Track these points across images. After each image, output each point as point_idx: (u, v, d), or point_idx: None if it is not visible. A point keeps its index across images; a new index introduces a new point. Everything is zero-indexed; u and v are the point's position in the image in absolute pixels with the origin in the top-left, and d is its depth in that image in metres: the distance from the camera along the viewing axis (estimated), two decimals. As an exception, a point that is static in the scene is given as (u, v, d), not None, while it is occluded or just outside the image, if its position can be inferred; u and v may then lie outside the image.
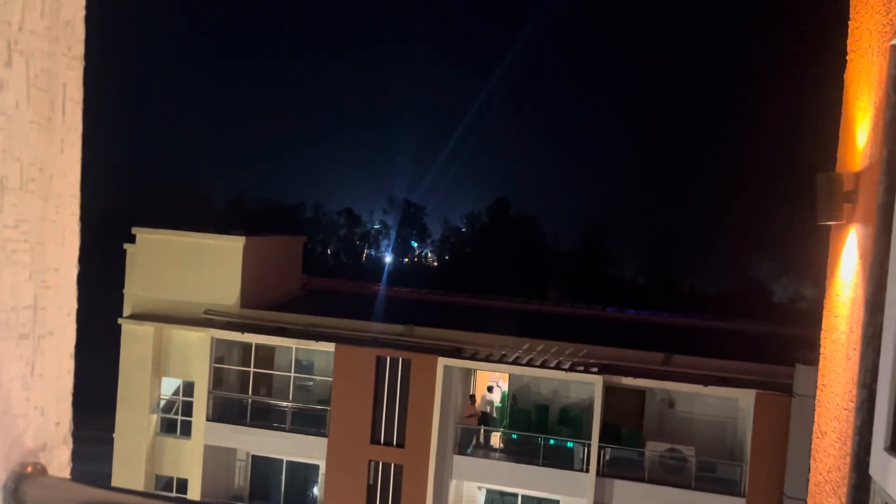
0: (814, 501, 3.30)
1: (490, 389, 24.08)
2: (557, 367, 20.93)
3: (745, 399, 20.60)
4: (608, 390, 21.03)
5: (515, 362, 21.24)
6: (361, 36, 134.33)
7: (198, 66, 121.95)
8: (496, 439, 23.08)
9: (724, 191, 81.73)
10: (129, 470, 23.49)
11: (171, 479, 24.03)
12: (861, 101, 3.21)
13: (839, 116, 3.55)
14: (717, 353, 21.13)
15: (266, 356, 24.60)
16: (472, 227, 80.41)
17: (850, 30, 3.36)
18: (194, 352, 23.60)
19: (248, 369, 23.98)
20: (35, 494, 1.50)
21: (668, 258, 70.72)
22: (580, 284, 64.76)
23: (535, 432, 22.26)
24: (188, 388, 23.94)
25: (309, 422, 23.08)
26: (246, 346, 24.05)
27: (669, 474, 20.80)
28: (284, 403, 23.56)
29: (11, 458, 1.50)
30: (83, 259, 1.76)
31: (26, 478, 1.50)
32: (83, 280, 1.75)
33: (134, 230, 24.69)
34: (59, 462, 1.69)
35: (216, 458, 23.42)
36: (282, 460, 24.08)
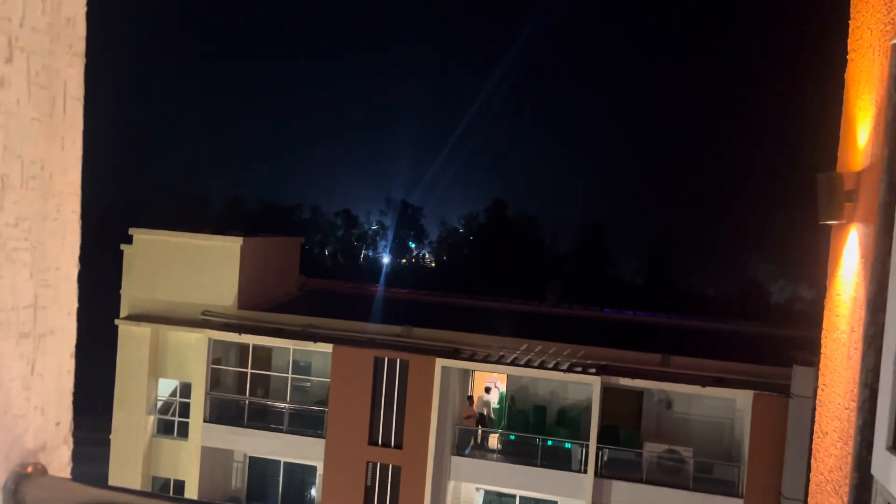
0: (815, 501, 3.29)
1: (488, 390, 24.07)
2: (555, 368, 20.93)
3: (742, 400, 20.62)
4: (606, 391, 21.04)
5: (513, 363, 21.23)
6: (360, 37, 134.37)
7: (195, 66, 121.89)
8: (494, 440, 23.07)
9: (723, 192, 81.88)
10: (125, 471, 23.42)
11: (168, 480, 23.98)
12: (862, 101, 3.21)
13: (839, 116, 3.55)
14: (714, 354, 21.15)
15: (263, 357, 24.56)
16: (469, 228, 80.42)
17: (850, 29, 3.36)
18: (191, 353, 23.55)
19: (245, 370, 23.94)
20: (35, 495, 1.48)
21: (666, 259, 70.79)
22: (578, 285, 64.79)
23: (533, 433, 22.26)
24: (185, 390, 23.89)
25: (306, 423, 23.05)
26: (243, 347, 24.02)
27: (667, 475, 20.81)
28: (282, 404, 23.53)
29: (11, 459, 1.49)
30: (80, 260, 1.74)
31: (26, 478, 1.49)
32: (80, 281, 1.74)
33: (131, 231, 24.64)
34: (60, 462, 1.67)
35: (213, 460, 23.38)
36: (279, 462, 24.04)
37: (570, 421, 22.52)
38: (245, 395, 23.84)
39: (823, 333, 3.41)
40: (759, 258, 68.09)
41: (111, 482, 22.41)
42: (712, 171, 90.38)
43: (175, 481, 23.76)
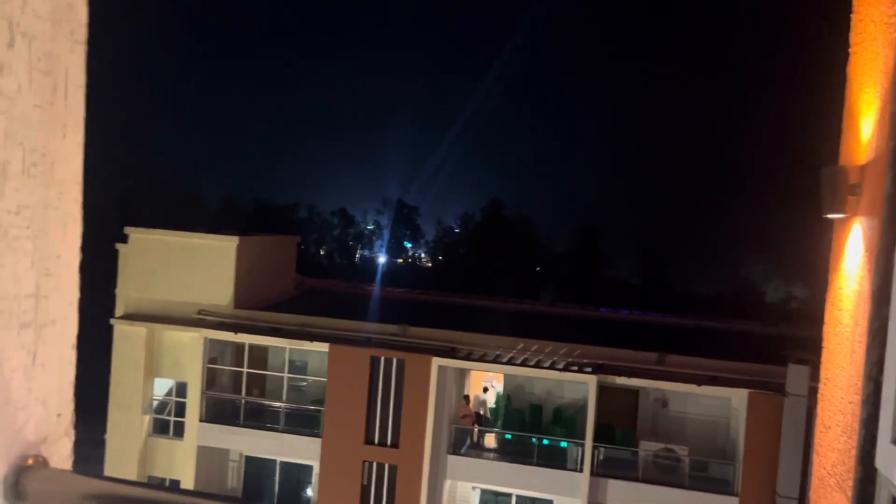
0: (817, 496, 3.29)
1: (485, 390, 24.08)
2: (551, 367, 20.94)
3: (737, 399, 20.68)
4: (602, 390, 21.06)
5: (510, 362, 21.23)
6: (356, 36, 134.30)
7: (191, 66, 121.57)
8: (490, 439, 23.08)
9: (719, 191, 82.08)
10: (121, 471, 23.34)
11: (163, 480, 23.90)
12: (866, 94, 3.21)
13: (839, 112, 3.55)
14: (710, 353, 21.21)
15: (259, 356, 24.51)
16: (465, 227, 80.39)
17: (852, 23, 3.36)
18: (187, 352, 23.48)
19: (241, 370, 23.88)
20: (36, 488, 1.46)
21: (661, 259, 70.91)
22: (574, 285, 64.86)
23: (530, 432, 22.27)
24: (181, 389, 23.82)
25: (302, 422, 23.01)
26: (239, 347, 23.96)
27: (663, 474, 20.85)
28: (278, 404, 23.48)
29: (13, 451, 1.47)
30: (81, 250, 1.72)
31: (28, 471, 1.46)
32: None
33: (126, 230, 24.57)
34: (61, 455, 1.65)
35: (209, 459, 23.31)
36: (275, 461, 24.00)
37: (567, 420, 22.55)
38: (241, 394, 23.79)
39: (825, 328, 3.41)
40: (754, 257, 68.32)
41: (106, 482, 22.32)
42: (709, 170, 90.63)
43: (171, 481, 23.69)
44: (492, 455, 22.17)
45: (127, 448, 23.49)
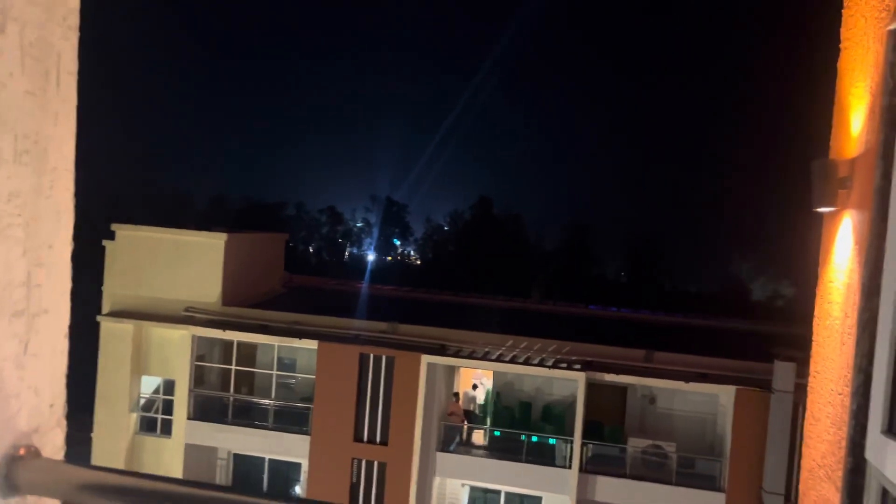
0: (807, 487, 3.32)
1: (474, 387, 24.11)
2: (541, 364, 21.00)
3: (725, 395, 20.82)
4: (590, 387, 21.15)
5: (499, 359, 21.27)
6: (346, 35, 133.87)
7: (180, 65, 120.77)
8: (479, 436, 23.12)
9: (708, 189, 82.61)
10: (107, 469, 23.18)
11: (150, 478, 23.75)
12: (856, 89, 3.23)
13: (829, 109, 3.57)
14: (697, 350, 21.34)
15: (248, 354, 24.42)
16: (455, 225, 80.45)
17: (843, 18, 3.39)
18: (175, 350, 23.35)
19: (229, 367, 23.78)
20: (29, 478, 1.45)
21: (649, 257, 71.29)
22: (563, 283, 65.07)
23: (519, 429, 22.33)
24: (168, 387, 23.68)
25: (291, 420, 22.95)
26: (227, 344, 23.85)
27: (651, 470, 20.98)
28: (266, 401, 23.40)
29: (4, 441, 1.45)
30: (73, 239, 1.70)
31: (20, 461, 1.45)
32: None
33: (113, 226, 24.37)
34: (54, 445, 1.63)
35: (197, 457, 23.20)
36: (264, 459, 23.93)
37: (556, 417, 22.62)
38: (229, 391, 23.69)
39: (815, 321, 3.44)
40: (743, 255, 68.84)
41: (93, 480, 22.16)
42: (698, 168, 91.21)
43: (158, 479, 23.54)
44: (481, 452, 22.21)
45: (114, 446, 23.33)
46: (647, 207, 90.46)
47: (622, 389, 22.82)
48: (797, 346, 17.22)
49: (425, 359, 21.31)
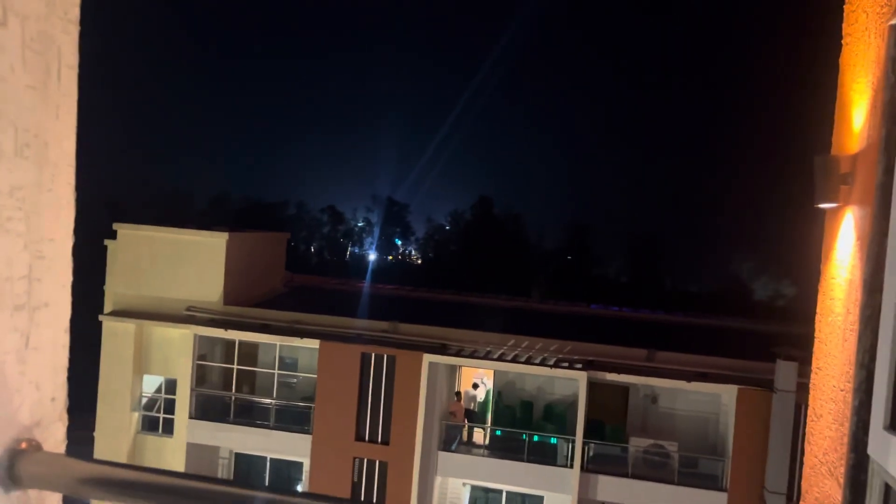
0: (809, 485, 3.32)
1: (475, 386, 24.11)
2: (542, 364, 20.99)
3: (727, 395, 20.80)
4: (592, 386, 21.14)
5: (500, 359, 21.27)
6: (347, 34, 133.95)
7: (182, 64, 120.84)
8: (481, 436, 23.12)
9: (709, 188, 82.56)
10: (109, 468, 23.21)
11: (152, 477, 23.78)
12: (858, 84, 3.24)
13: (829, 107, 3.58)
14: (699, 350, 21.32)
15: (249, 353, 24.44)
16: (456, 225, 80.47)
17: (845, 13, 3.39)
18: (176, 349, 23.37)
19: (231, 366, 23.80)
20: (30, 471, 1.45)
21: (651, 256, 71.25)
22: (564, 282, 65.05)
23: (520, 428, 22.33)
24: (170, 386, 23.71)
25: (293, 419, 22.97)
26: (229, 343, 23.87)
27: (652, 469, 20.96)
28: (268, 401, 23.42)
29: (6, 435, 1.45)
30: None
31: (21, 454, 1.45)
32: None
33: (115, 226, 24.40)
34: (55, 439, 1.63)
35: (199, 456, 23.22)
36: (265, 458, 23.94)
37: (557, 416, 22.62)
38: (231, 391, 23.71)
39: (817, 318, 3.44)
40: (744, 255, 68.78)
41: (95, 479, 22.17)
42: (700, 167, 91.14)
43: (160, 478, 23.57)
44: (482, 451, 22.21)
45: (116, 445, 23.36)
46: (647, 206, 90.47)
47: (624, 389, 22.81)
48: (799, 346, 17.21)
49: (427, 358, 21.31)
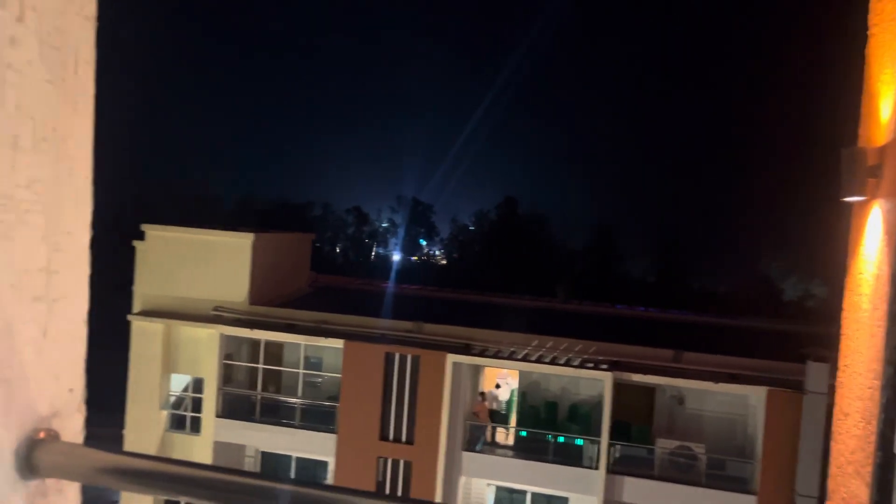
0: (835, 484, 3.26)
1: (497, 386, 24.04)
2: (567, 364, 20.87)
3: (755, 396, 20.48)
4: (618, 387, 20.95)
5: (525, 359, 21.18)
6: (371, 34, 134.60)
7: (208, 64, 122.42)
8: (505, 436, 23.05)
9: (736, 186, 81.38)
10: (139, 466, 23.56)
11: (180, 475, 24.10)
12: (885, 75, 3.17)
13: (856, 99, 3.50)
14: (727, 350, 21.03)
15: (275, 353, 24.66)
16: (480, 225, 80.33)
17: (871, 3, 3.32)
18: (203, 348, 23.68)
19: (257, 366, 24.05)
20: (48, 460, 1.47)
21: (677, 256, 70.43)
22: (589, 282, 64.61)
23: (545, 429, 22.22)
24: (198, 385, 24.02)
25: (318, 418, 23.13)
26: (255, 343, 24.11)
27: (680, 472, 20.72)
28: (293, 400, 23.61)
29: (24, 424, 1.47)
30: (91, 256, 1.72)
31: (39, 444, 1.47)
32: (92, 277, 1.72)
33: (143, 227, 24.80)
34: (73, 430, 1.66)
35: (226, 455, 23.49)
36: (291, 456, 24.13)
37: (582, 417, 22.46)
38: (257, 390, 23.95)
39: (844, 315, 3.37)
40: (770, 255, 67.65)
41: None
42: (726, 165, 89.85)
43: (188, 476, 23.87)
44: (507, 452, 22.15)
45: (144, 443, 23.73)
46: (673, 205, 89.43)
47: (650, 390, 22.58)
48: (830, 346, 16.90)
49: (450, 358, 21.32)
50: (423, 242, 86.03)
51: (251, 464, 24.73)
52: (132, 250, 25.11)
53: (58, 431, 1.58)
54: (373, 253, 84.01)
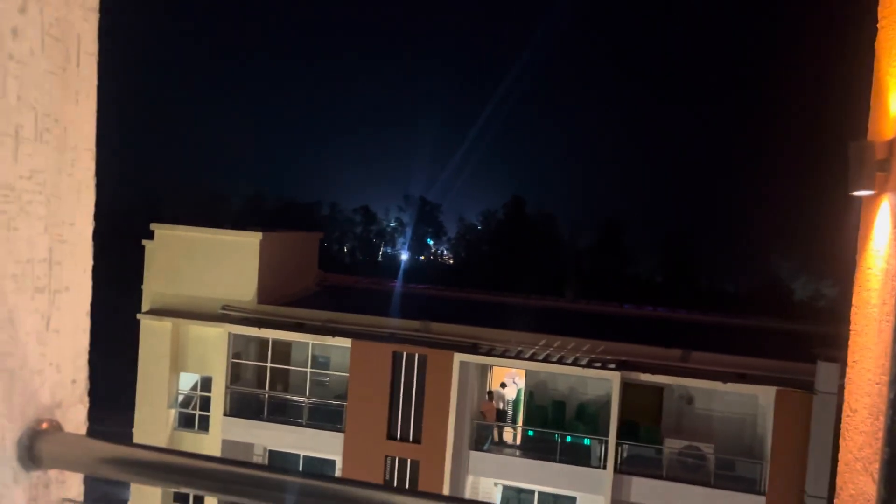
0: (843, 481, 3.23)
1: (503, 386, 24.01)
2: (574, 363, 20.82)
3: (764, 396, 20.37)
4: (626, 387, 20.89)
5: (532, 358, 21.15)
6: (380, 35, 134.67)
7: (218, 65, 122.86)
8: (512, 436, 23.02)
9: (743, 185, 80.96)
10: (148, 464, 23.66)
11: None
12: (894, 69, 3.14)
13: (865, 93, 3.47)
14: (736, 350, 20.92)
15: (283, 352, 24.72)
16: (487, 224, 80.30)
17: (880, -4, 3.29)
18: (212, 347, 23.76)
19: (265, 365, 24.11)
20: (50, 451, 1.47)
21: (685, 255, 70.12)
22: (597, 281, 64.43)
23: (552, 429, 22.18)
24: (206, 384, 24.12)
25: (325, 417, 23.17)
26: (263, 342, 24.18)
27: (688, 472, 20.63)
28: (301, 399, 23.66)
29: (27, 414, 1.47)
30: (101, 255, 1.72)
31: (42, 434, 1.47)
32: (101, 276, 1.72)
33: (152, 226, 24.91)
34: (76, 421, 1.66)
35: (234, 453, 23.56)
36: (298, 455, 24.18)
37: (590, 416, 22.40)
38: (265, 389, 24.02)
39: (853, 310, 3.35)
40: (780, 255, 67.25)
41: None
42: (731, 167, 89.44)
43: (196, 474, 23.97)
44: (514, 451, 22.12)
45: (153, 441, 23.85)
46: (682, 205, 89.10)
47: (658, 389, 22.49)
48: (840, 346, 16.76)
49: (458, 357, 21.31)
50: (431, 242, 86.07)
51: (259, 462, 24.81)
52: (141, 249, 25.23)
53: (60, 422, 1.58)
54: (380, 252, 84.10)
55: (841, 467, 3.18)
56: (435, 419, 21.45)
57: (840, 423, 3.33)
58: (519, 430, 23.09)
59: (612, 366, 20.58)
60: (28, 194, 1.48)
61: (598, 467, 20.64)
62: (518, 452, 22.03)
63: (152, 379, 24.02)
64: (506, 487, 22.79)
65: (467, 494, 22.10)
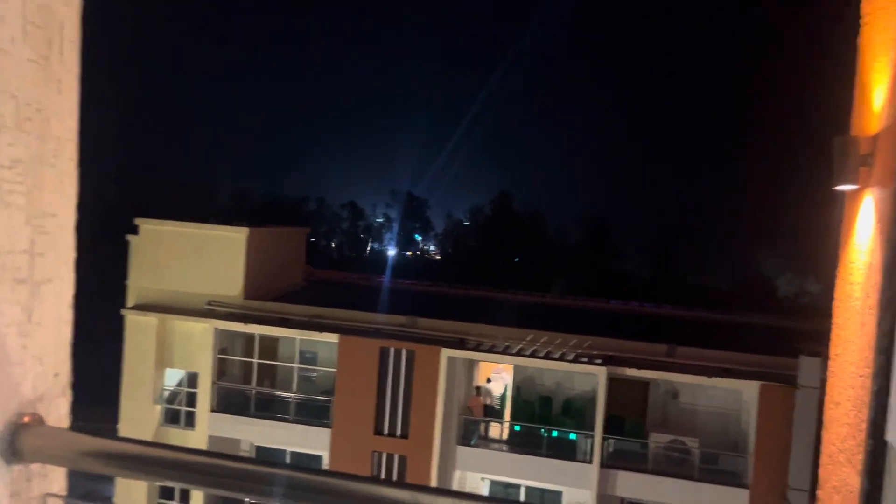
0: (826, 472, 3.27)
1: (488, 381, 24.06)
2: (561, 359, 20.91)
3: (748, 391, 20.57)
4: (612, 382, 21.00)
5: (519, 353, 21.21)
6: (365, 28, 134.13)
7: (201, 59, 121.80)
8: (499, 431, 23.09)
9: (729, 184, 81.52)
10: (133, 460, 23.51)
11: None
12: (878, 64, 3.16)
13: (848, 88, 3.50)
14: (720, 345, 21.10)
15: (270, 347, 24.62)
16: (475, 220, 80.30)
17: (864, -8, 3.32)
18: (198, 343, 23.62)
19: (251, 360, 24.00)
20: (33, 445, 1.45)
21: (671, 252, 70.56)
22: (584, 278, 64.68)
23: (539, 423, 22.27)
24: (192, 379, 23.97)
25: (313, 413, 23.11)
26: (249, 337, 24.07)
27: (673, 466, 20.80)
28: (288, 394, 23.59)
29: (9, 408, 1.45)
30: (85, 250, 1.70)
31: (24, 428, 1.45)
32: (86, 271, 1.70)
33: (137, 221, 24.70)
34: (58, 414, 1.64)
35: (220, 449, 23.45)
36: (285, 451, 24.12)
37: (576, 411, 22.52)
38: (251, 384, 23.91)
39: (835, 304, 3.38)
40: (764, 252, 67.82)
41: (118, 471, 22.49)
42: (717, 164, 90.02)
43: (182, 470, 23.84)
44: (501, 446, 22.19)
45: (139, 437, 23.64)
46: (668, 201, 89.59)
47: (644, 384, 22.64)
48: (823, 341, 16.91)
49: (445, 352, 21.32)
50: (418, 237, 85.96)
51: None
52: (126, 244, 25.01)
53: (42, 416, 1.56)
54: (368, 248, 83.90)
55: (823, 459, 3.21)
56: (422, 414, 21.47)
57: (822, 416, 3.36)
58: (506, 425, 23.15)
59: (599, 361, 20.69)
60: (8, 184, 1.46)
61: (585, 462, 20.76)
62: (505, 447, 22.10)
63: (138, 374, 23.84)
64: (493, 482, 22.86)
65: (454, 489, 22.15)
